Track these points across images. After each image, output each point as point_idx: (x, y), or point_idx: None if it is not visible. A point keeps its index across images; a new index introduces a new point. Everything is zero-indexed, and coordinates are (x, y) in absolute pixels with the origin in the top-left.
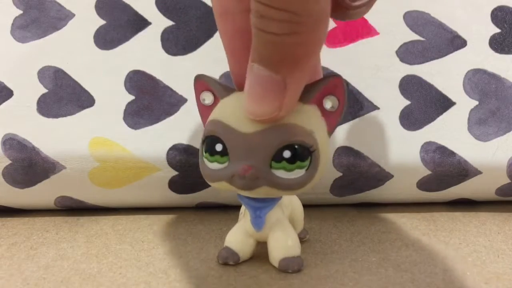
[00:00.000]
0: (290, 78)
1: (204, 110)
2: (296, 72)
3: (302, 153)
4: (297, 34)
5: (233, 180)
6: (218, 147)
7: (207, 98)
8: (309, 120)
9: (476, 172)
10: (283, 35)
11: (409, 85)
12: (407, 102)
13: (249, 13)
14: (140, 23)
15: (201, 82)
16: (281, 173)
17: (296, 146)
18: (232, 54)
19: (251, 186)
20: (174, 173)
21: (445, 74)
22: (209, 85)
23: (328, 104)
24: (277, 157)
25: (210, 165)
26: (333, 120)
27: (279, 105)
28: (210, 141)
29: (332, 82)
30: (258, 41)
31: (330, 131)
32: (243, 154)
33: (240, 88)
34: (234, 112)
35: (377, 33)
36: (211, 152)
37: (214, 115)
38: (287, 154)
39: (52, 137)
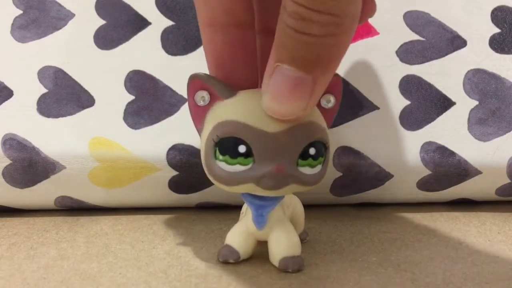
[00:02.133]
0: (321, 78)
1: (198, 110)
2: (327, 72)
3: (321, 149)
4: (334, 36)
5: (262, 181)
6: (242, 149)
7: (203, 97)
8: (320, 117)
9: (476, 172)
10: (322, 37)
11: (409, 85)
12: (407, 102)
13: (240, 27)
14: (140, 23)
15: (197, 81)
16: (306, 170)
17: (318, 143)
18: (219, 66)
19: (281, 185)
20: (174, 173)
21: (445, 74)
22: (206, 84)
23: (327, 102)
24: (304, 155)
25: (229, 168)
26: (329, 117)
27: (306, 104)
28: (229, 142)
29: (331, 82)
30: (293, 42)
31: (327, 128)
32: (271, 155)
33: None
34: (253, 111)
35: (377, 33)
36: (233, 154)
37: (225, 115)
38: (312, 151)
39: (52, 137)
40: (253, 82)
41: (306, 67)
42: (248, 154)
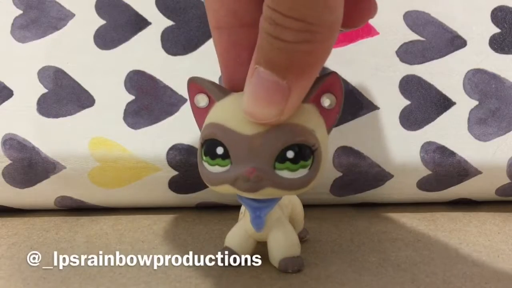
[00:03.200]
0: (296, 84)
1: (199, 113)
2: (302, 79)
3: (305, 152)
4: (309, 43)
5: (237, 183)
6: (219, 150)
7: (202, 100)
8: (309, 119)
9: (476, 172)
10: (296, 43)
11: (409, 85)
12: (407, 102)
13: (244, 28)
14: (140, 23)
15: (195, 85)
16: (285, 174)
17: (299, 146)
18: (226, 66)
19: (255, 188)
20: (174, 173)
21: (445, 74)
22: (203, 87)
23: (326, 102)
24: (281, 158)
25: (211, 168)
26: (331, 118)
27: (282, 109)
28: (210, 144)
29: (329, 80)
30: (268, 46)
31: (329, 128)
32: (245, 157)
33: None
34: (233, 114)
35: (377, 33)
36: (212, 155)
37: (212, 118)
38: (290, 154)
39: (52, 137)
40: None
41: (280, 72)
42: (225, 155)
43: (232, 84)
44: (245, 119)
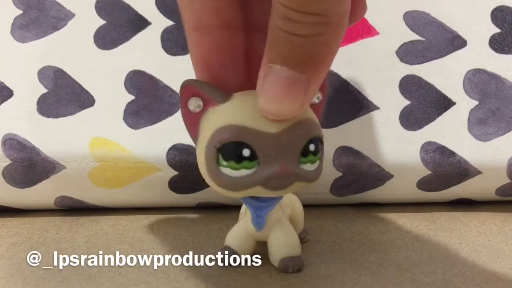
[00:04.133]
0: (314, 76)
1: (191, 118)
2: (320, 70)
3: (318, 145)
4: (323, 35)
5: (269, 183)
6: (246, 152)
7: (196, 104)
8: (313, 114)
9: (476, 172)
10: (310, 37)
11: (409, 85)
12: (407, 102)
13: (226, 29)
14: (140, 23)
15: (190, 88)
16: (307, 166)
17: (316, 139)
18: (208, 68)
19: (287, 185)
20: (174, 173)
21: (445, 74)
22: (199, 90)
23: (316, 97)
24: (304, 152)
25: (234, 173)
26: (318, 112)
27: (302, 103)
28: (233, 147)
29: None
30: (283, 42)
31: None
32: (274, 155)
33: None
34: (251, 114)
35: (377, 33)
36: (237, 159)
37: (224, 120)
38: (312, 147)
39: (52, 137)
40: (241, 83)
41: (298, 66)
42: (252, 157)
43: (215, 85)
44: (264, 118)
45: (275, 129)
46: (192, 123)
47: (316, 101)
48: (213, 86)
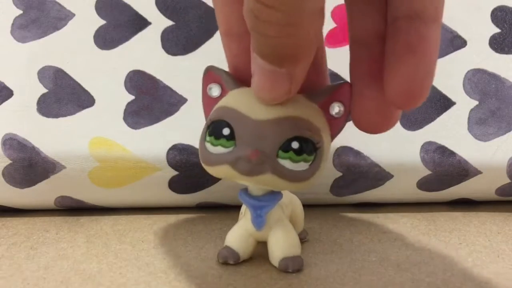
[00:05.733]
0: (295, 68)
1: (209, 103)
2: (300, 62)
3: (309, 147)
4: (292, 36)
5: (238, 164)
6: (226, 131)
7: (215, 90)
8: (318, 119)
9: (476, 172)
10: (279, 37)
11: None
12: None
13: None
14: (140, 23)
15: (211, 74)
16: (286, 163)
17: (305, 140)
18: (235, 69)
19: (255, 172)
20: (174, 173)
21: (445, 74)
22: (219, 77)
23: (335, 109)
24: (285, 147)
25: (212, 149)
26: (336, 127)
27: (288, 89)
28: (216, 125)
29: (340, 89)
30: (257, 41)
31: (332, 137)
32: (251, 140)
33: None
34: (246, 100)
35: None
36: (217, 135)
37: (223, 102)
38: (295, 145)
39: (52, 137)
40: None
41: (275, 62)
42: (231, 137)
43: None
44: (258, 106)
45: (261, 117)
46: (208, 106)
47: (334, 113)
48: (230, 75)
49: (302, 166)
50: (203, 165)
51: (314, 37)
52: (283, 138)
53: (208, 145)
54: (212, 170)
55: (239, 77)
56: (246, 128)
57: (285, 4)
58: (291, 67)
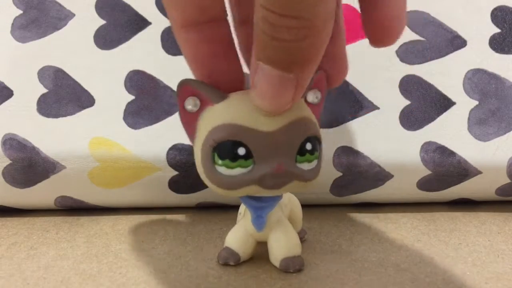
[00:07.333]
0: (302, 74)
1: (189, 117)
2: (308, 69)
3: (316, 143)
4: (307, 38)
5: (265, 181)
6: (241, 151)
7: (193, 104)
8: (311, 113)
9: (476, 172)
10: (295, 41)
11: (409, 85)
12: (407, 102)
13: (212, 22)
14: (140, 23)
15: (187, 87)
16: (304, 166)
17: (313, 137)
18: (200, 65)
19: (283, 184)
20: (174, 173)
21: (445, 74)
22: (196, 90)
23: (312, 97)
24: (301, 151)
25: (230, 172)
26: (317, 113)
27: (292, 98)
28: (228, 146)
29: (317, 77)
30: (267, 45)
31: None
32: (269, 154)
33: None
34: (248, 113)
35: None
36: (233, 157)
37: (220, 119)
38: (309, 146)
39: (52, 137)
40: (238, 74)
41: (284, 67)
42: (247, 156)
43: (212, 79)
44: (261, 117)
45: (271, 127)
46: (189, 123)
47: (315, 100)
48: (210, 86)
49: (314, 163)
50: (220, 191)
51: (327, 38)
52: (298, 143)
53: (222, 169)
54: (235, 193)
55: (207, 73)
56: (261, 143)
57: (302, 12)
58: (299, 72)
